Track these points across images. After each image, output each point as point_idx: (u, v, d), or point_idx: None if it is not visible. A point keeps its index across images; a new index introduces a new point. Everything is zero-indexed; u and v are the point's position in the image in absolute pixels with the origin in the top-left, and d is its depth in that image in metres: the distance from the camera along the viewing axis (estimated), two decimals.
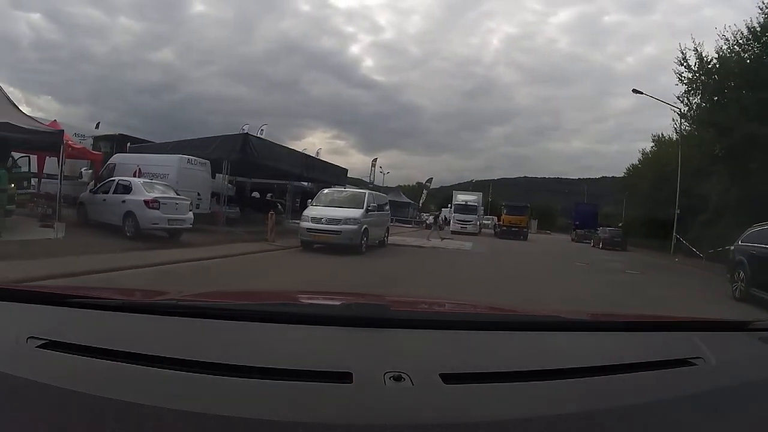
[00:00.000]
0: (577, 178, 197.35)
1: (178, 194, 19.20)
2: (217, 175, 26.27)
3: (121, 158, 24.53)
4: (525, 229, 52.64)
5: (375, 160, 69.78)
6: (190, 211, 19.11)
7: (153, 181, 19.79)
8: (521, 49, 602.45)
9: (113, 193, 19.05)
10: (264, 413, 1.15)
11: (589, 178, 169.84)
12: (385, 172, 75.20)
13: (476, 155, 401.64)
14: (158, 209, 17.54)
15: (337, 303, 2.24)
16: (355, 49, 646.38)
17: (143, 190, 18.13)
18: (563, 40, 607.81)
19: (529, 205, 59.01)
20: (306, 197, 34.91)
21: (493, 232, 57.51)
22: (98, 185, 20.79)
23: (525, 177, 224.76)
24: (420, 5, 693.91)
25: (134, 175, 20.80)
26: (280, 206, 35.15)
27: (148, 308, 1.88)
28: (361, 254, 20.09)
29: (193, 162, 23.01)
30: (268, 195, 38.20)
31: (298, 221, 28.01)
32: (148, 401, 1.16)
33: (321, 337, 1.66)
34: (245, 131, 25.68)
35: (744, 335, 2.12)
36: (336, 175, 34.26)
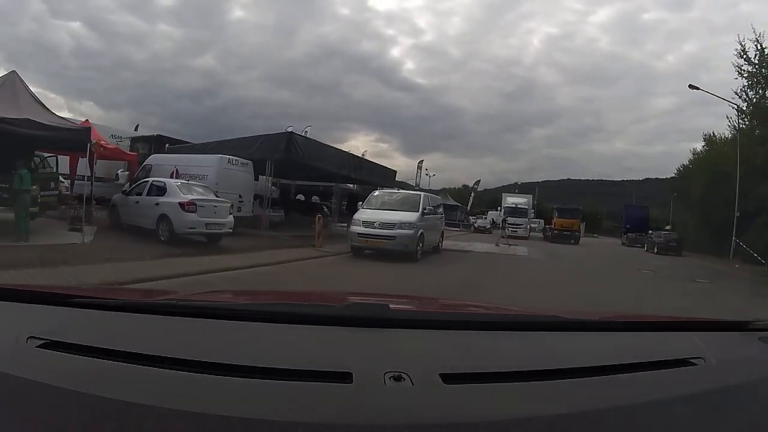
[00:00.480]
0: (620, 179, 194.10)
1: (217, 196, 17.38)
2: (259, 177, 24.45)
3: (157, 159, 22.72)
4: (576, 233, 50.08)
5: (421, 162, 66.53)
6: (231, 214, 17.22)
7: (190, 182, 17.96)
8: (561, 50, 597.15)
9: (147, 194, 17.26)
10: (264, 413, 1.13)
11: (632, 180, 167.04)
12: (431, 175, 71.73)
13: (518, 157, 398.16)
14: (195, 212, 15.67)
15: (337, 303, 2.18)
16: (395, 52, 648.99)
17: (179, 192, 16.28)
18: (603, 39, 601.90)
19: (580, 207, 56.43)
20: (353, 200, 32.86)
21: (542, 235, 54.96)
22: (131, 186, 19.08)
23: (568, 179, 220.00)
24: (459, 7, 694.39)
25: (171, 177, 19.06)
26: (326, 209, 33.19)
27: (148, 308, 1.85)
28: (417, 261, 17.85)
29: (234, 162, 21.05)
30: (313, 197, 36.06)
31: (344, 225, 26.40)
32: (148, 401, 1.14)
33: (321, 337, 1.62)
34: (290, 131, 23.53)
35: (744, 335, 2.04)
36: (384, 177, 31.86)
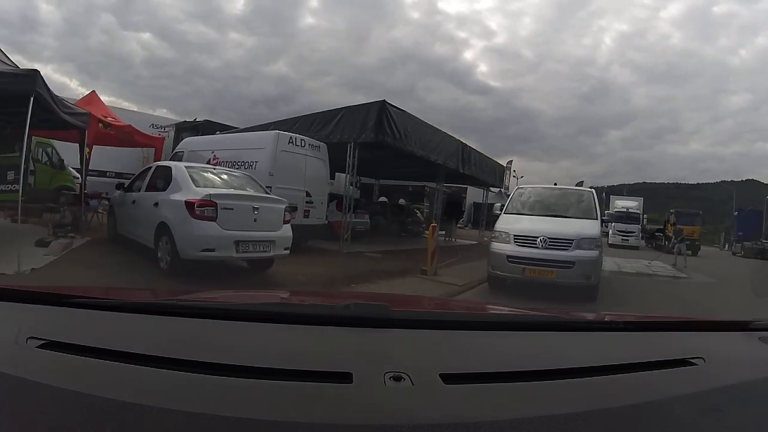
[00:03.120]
0: (695, 182, 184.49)
1: (268, 193, 9.67)
2: (336, 175, 17.53)
3: (192, 143, 15.18)
4: (697, 242, 40.10)
5: (510, 162, 57.48)
6: (288, 222, 9.23)
7: (219, 168, 10.28)
8: (634, 48, 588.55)
9: (146, 189, 9.69)
10: (264, 413, 1.08)
11: (707, 183, 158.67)
12: (519, 176, 60.19)
13: (595, 160, 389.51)
14: (215, 219, 7.87)
15: (337, 303, 1.97)
16: (468, 55, 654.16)
17: (189, 183, 8.53)
18: (675, 35, 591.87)
19: (701, 212, 46.16)
20: (451, 204, 24.52)
21: (645, 244, 44.91)
22: (133, 178, 11.29)
23: (644, 182, 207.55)
24: (529, 7, 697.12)
25: (208, 164, 11.61)
26: (418, 214, 25.32)
27: (148, 308, 1.75)
28: (595, 301, 9.57)
29: (299, 143, 13.14)
30: (400, 200, 27.70)
31: (442, 233, 19.12)
32: (148, 401, 1.08)
33: (321, 337, 1.55)
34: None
35: (744, 335, 1.95)
36: (493, 174, 23.66)
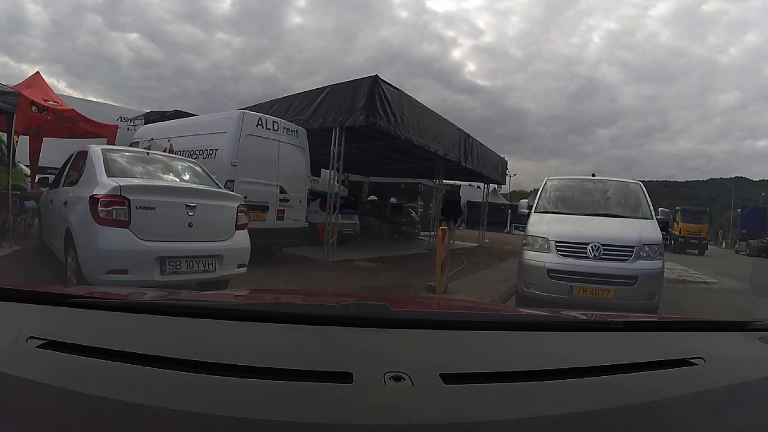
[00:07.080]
0: (684, 180, 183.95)
1: (219, 186, 7.07)
2: (321, 171, 15.33)
3: (149, 131, 12.60)
4: (705, 240, 38.36)
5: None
6: (243, 227, 6.46)
7: (154, 153, 7.56)
8: (623, 46, 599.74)
9: (64, 183, 7.13)
10: (264, 413, 1.04)
11: (697, 180, 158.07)
12: (512, 174, 55.99)
13: (583, 159, 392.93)
14: (128, 225, 5.24)
15: (338, 303, 1.88)
16: (456, 54, 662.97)
17: (100, 171, 5.80)
18: (664, 33, 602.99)
19: (708, 210, 43.75)
20: (449, 202, 21.79)
21: None
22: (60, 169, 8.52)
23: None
24: (517, 6, 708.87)
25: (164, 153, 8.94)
26: (413, 214, 22.79)
27: (148, 308, 1.71)
28: None
29: (270, 126, 10.49)
30: (391, 199, 25.02)
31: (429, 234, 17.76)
32: (148, 401, 1.05)
33: (321, 337, 1.48)
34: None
35: (744, 335, 1.87)
36: (496, 168, 21.12)
